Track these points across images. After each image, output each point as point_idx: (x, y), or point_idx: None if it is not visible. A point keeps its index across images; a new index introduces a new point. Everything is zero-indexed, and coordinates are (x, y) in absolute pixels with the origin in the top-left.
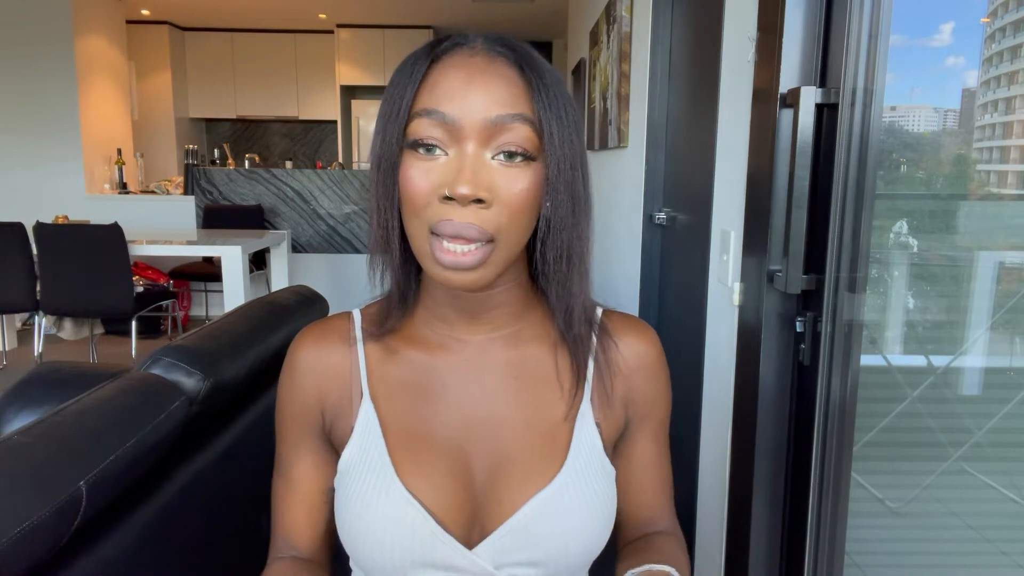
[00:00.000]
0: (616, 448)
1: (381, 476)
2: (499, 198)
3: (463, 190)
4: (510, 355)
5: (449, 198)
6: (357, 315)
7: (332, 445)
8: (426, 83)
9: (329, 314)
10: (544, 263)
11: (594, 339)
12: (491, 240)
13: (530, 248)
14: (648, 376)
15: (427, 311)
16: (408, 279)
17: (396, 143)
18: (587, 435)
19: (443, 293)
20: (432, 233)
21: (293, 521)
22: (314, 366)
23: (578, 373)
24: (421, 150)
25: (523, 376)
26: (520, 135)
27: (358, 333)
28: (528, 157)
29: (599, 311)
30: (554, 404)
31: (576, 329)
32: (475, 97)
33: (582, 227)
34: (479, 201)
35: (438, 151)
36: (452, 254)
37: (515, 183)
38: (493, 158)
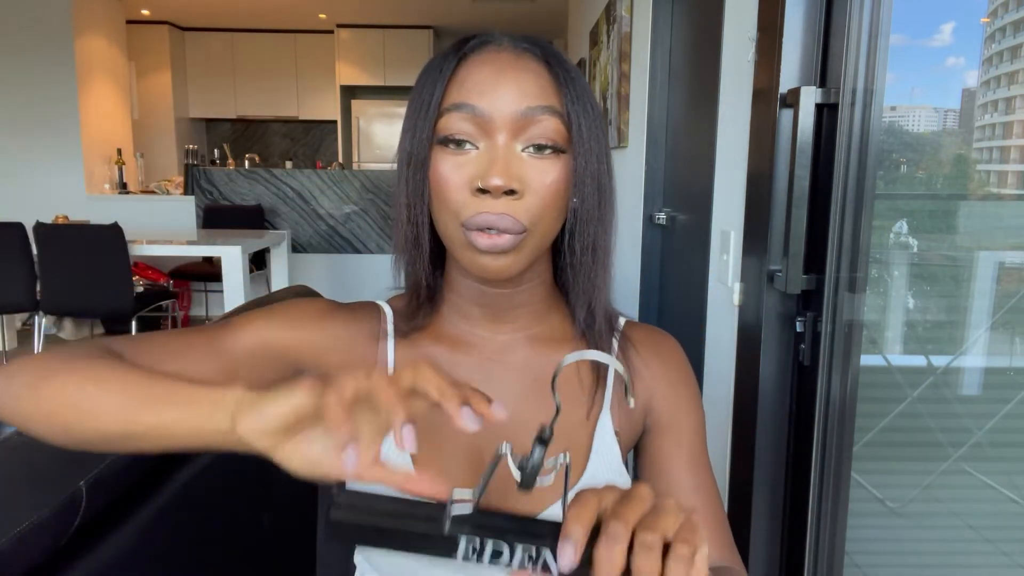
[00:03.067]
0: (645, 475)
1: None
2: (531, 189)
3: (497, 181)
4: (531, 357)
5: (482, 191)
6: (387, 309)
7: (268, 380)
8: (455, 79)
9: None
10: (572, 255)
11: (615, 345)
12: (524, 230)
13: (552, 248)
14: (671, 382)
15: (452, 309)
16: (434, 276)
17: (426, 139)
18: (606, 445)
19: (469, 290)
20: (464, 226)
21: (174, 358)
22: (340, 334)
23: (598, 378)
24: (451, 145)
25: (543, 379)
26: (549, 128)
27: (389, 327)
28: (557, 150)
29: (621, 320)
30: (573, 409)
31: (598, 325)
32: (505, 90)
33: (607, 220)
34: (511, 192)
35: (468, 145)
36: (489, 236)
37: (546, 175)
38: (523, 150)
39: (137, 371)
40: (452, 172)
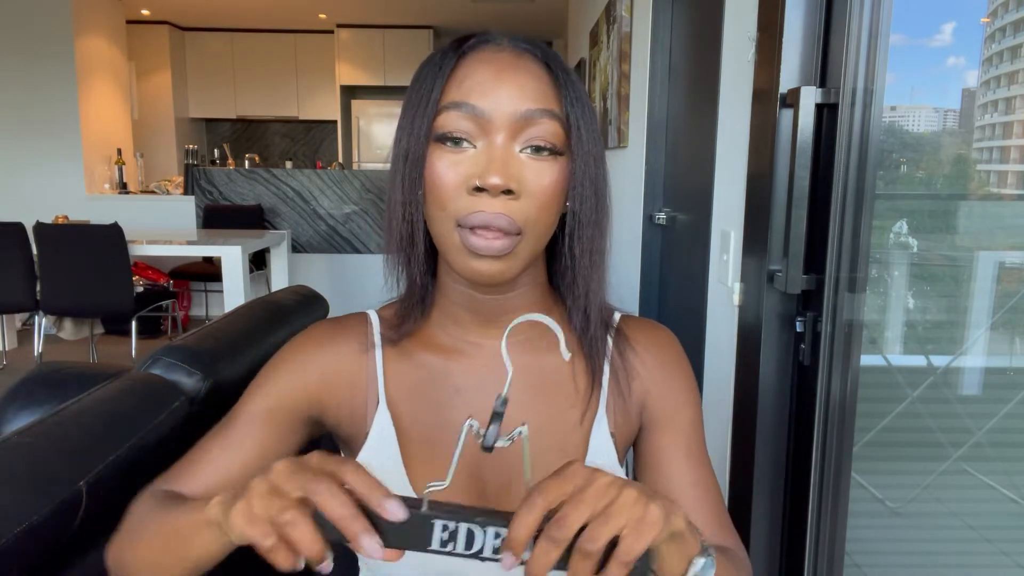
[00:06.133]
0: (644, 472)
1: (394, 485)
2: (527, 190)
3: (495, 180)
4: (526, 361)
5: (479, 189)
6: (375, 317)
7: (295, 439)
8: (454, 77)
9: (329, 314)
10: (572, 259)
11: (610, 342)
12: (519, 232)
13: (548, 251)
14: (667, 377)
15: (442, 314)
16: (426, 279)
17: (423, 136)
18: (602, 447)
19: (460, 295)
20: (459, 226)
21: (208, 479)
22: (326, 365)
23: (593, 381)
24: (449, 143)
25: (538, 383)
26: (548, 130)
27: (376, 338)
28: (555, 152)
29: (617, 315)
30: (568, 412)
31: (593, 330)
32: (505, 91)
33: (604, 224)
34: (509, 192)
35: (466, 144)
36: (483, 238)
37: (543, 176)
38: (521, 151)
39: (159, 521)
40: (448, 170)
